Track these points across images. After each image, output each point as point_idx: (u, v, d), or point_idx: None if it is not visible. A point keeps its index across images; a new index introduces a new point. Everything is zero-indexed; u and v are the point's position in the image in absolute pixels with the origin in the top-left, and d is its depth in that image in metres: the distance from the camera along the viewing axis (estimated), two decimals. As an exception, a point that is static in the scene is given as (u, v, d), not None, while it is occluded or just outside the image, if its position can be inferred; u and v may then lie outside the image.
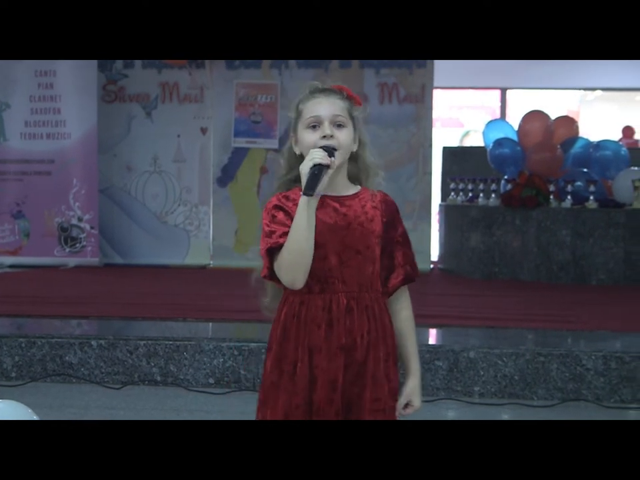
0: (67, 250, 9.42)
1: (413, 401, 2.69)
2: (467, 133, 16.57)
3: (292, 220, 2.55)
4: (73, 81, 9.28)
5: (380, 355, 2.61)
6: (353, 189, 2.68)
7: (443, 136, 14.35)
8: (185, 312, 6.32)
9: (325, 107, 2.60)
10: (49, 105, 9.32)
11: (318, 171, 2.47)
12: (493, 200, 8.89)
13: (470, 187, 9.28)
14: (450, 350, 5.27)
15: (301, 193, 2.49)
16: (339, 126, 2.60)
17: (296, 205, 2.55)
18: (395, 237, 2.69)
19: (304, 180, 2.49)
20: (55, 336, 5.50)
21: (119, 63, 9.79)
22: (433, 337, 5.92)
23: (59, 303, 6.76)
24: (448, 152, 11.25)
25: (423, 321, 6.00)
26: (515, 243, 8.48)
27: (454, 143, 15.46)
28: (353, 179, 2.71)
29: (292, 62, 9.58)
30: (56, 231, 9.43)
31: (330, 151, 2.53)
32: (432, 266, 9.57)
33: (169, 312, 6.37)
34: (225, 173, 9.78)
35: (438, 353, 5.25)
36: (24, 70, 9.22)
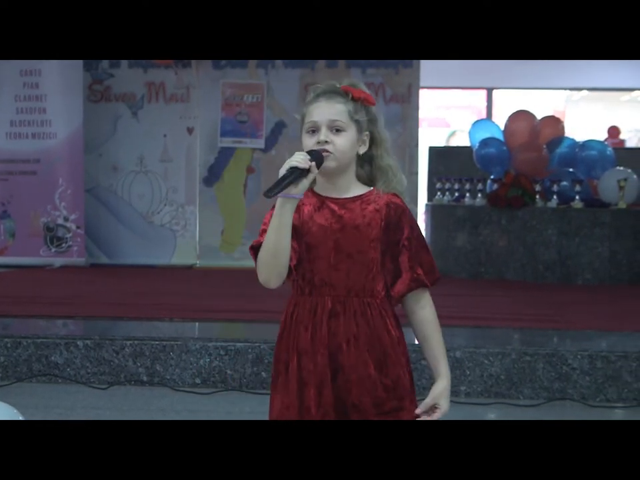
0: (53, 250, 9.40)
1: (440, 404, 2.63)
2: (453, 133, 16.60)
3: None
4: (58, 80, 9.24)
5: (378, 359, 2.60)
6: (359, 191, 2.65)
7: (429, 136, 14.37)
8: (171, 312, 6.30)
9: (323, 112, 2.58)
10: (34, 104, 9.29)
11: (290, 173, 2.46)
12: (479, 200, 8.90)
13: (456, 186, 9.29)
14: (436, 349, 5.26)
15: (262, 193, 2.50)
16: (337, 131, 2.57)
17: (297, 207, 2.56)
18: (401, 240, 2.64)
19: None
20: (41, 336, 5.48)
21: (104, 63, 9.77)
22: (419, 336, 5.91)
23: (45, 303, 6.74)
24: (434, 152, 11.26)
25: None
26: (501, 243, 8.50)
27: (440, 142, 15.50)
28: (367, 180, 2.69)
29: (278, 62, 9.59)
30: (42, 231, 9.40)
31: (316, 155, 2.51)
32: (418, 266, 9.55)
33: (155, 312, 6.36)
34: (211, 173, 9.77)
35: (424, 352, 5.25)
36: (9, 69, 9.18)
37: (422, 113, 10.11)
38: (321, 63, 9.54)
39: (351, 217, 2.60)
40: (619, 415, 5.01)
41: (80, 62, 9.28)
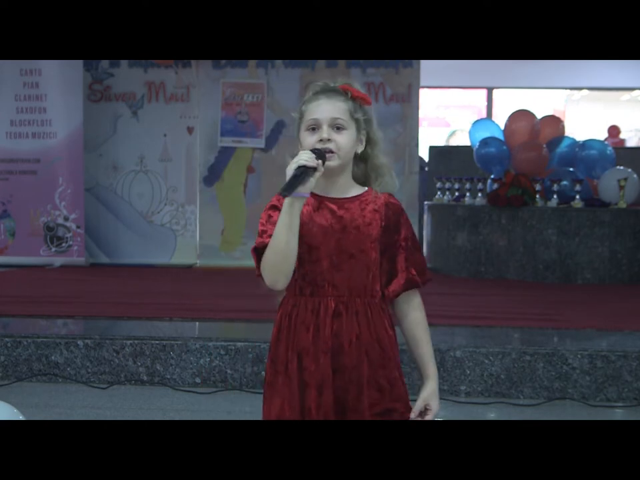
0: (53, 249, 9.39)
1: (431, 404, 2.66)
2: (453, 133, 16.61)
3: None
4: (58, 80, 9.24)
5: (376, 360, 2.60)
6: (356, 191, 2.66)
7: (430, 135, 14.38)
8: (172, 311, 6.30)
9: (325, 110, 2.58)
10: (34, 104, 9.29)
11: (300, 172, 2.46)
12: (479, 199, 8.90)
13: (456, 186, 9.28)
14: (436, 349, 5.23)
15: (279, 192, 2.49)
16: (339, 129, 2.58)
17: None
18: (398, 241, 2.65)
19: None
20: (41, 336, 5.49)
21: (104, 62, 9.76)
22: (419, 336, 5.92)
23: (45, 303, 6.74)
24: (434, 151, 11.26)
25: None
26: (501, 242, 8.50)
27: (440, 142, 15.50)
28: (362, 179, 2.69)
29: (278, 61, 9.58)
30: (42, 231, 9.39)
31: (320, 154, 2.52)
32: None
33: (155, 311, 6.36)
34: (211, 173, 9.77)
35: (424, 352, 5.25)
36: (9, 69, 9.18)
37: (422, 113, 10.11)
38: (321, 62, 9.54)
39: (351, 217, 2.60)
40: (619, 414, 5.01)
41: (80, 62, 9.28)
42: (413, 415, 2.64)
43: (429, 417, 2.66)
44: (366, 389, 2.58)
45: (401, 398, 2.65)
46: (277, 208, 2.58)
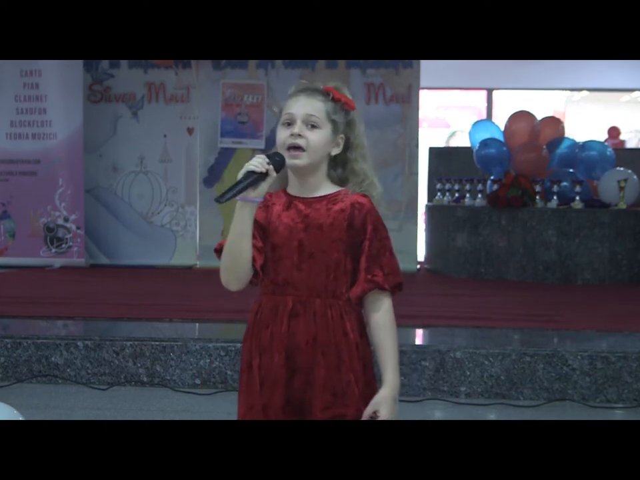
0: (53, 250, 9.39)
1: (380, 411, 2.55)
2: (453, 134, 16.61)
3: (257, 223, 2.57)
4: (58, 80, 9.24)
5: (333, 361, 2.57)
6: (327, 190, 2.64)
7: (430, 136, 14.38)
8: (171, 312, 6.30)
9: (301, 106, 2.58)
10: (34, 104, 9.29)
11: (245, 178, 2.46)
12: (479, 200, 8.90)
13: (456, 187, 9.28)
14: (436, 350, 5.27)
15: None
16: (312, 126, 2.57)
17: (262, 208, 2.57)
18: (363, 241, 2.60)
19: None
20: (41, 337, 5.48)
21: (104, 63, 9.76)
22: (419, 337, 5.93)
23: (45, 304, 6.74)
24: (434, 152, 11.26)
25: (409, 321, 6.01)
26: (501, 243, 8.50)
27: (440, 143, 15.50)
28: (340, 182, 2.67)
29: (278, 62, 9.58)
30: (42, 231, 9.39)
31: (273, 159, 2.51)
32: (418, 266, 9.58)
33: (155, 312, 6.36)
34: (211, 174, 9.76)
35: (424, 353, 5.26)
36: (9, 70, 9.18)
37: (422, 114, 10.10)
38: (321, 63, 9.54)
39: (316, 217, 2.59)
40: (619, 415, 5.00)
41: (80, 62, 9.28)
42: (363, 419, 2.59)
43: None
44: (320, 392, 2.56)
45: (353, 403, 2.58)
46: None
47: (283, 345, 2.57)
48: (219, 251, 2.60)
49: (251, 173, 2.47)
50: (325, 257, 2.58)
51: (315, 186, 2.63)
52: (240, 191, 2.46)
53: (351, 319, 2.61)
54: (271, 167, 2.50)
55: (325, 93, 2.63)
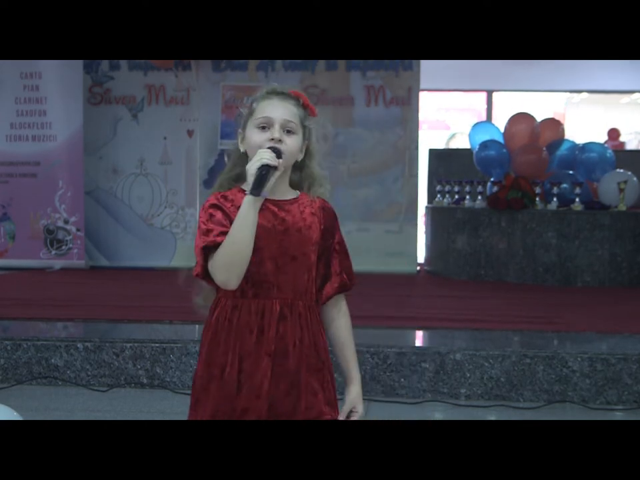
0: (53, 252, 9.39)
1: (357, 407, 2.68)
2: (453, 135, 16.62)
3: (230, 221, 2.54)
4: (58, 82, 9.25)
5: (313, 364, 2.60)
6: (291, 194, 2.67)
7: (430, 138, 14.38)
8: (172, 314, 6.29)
9: (278, 110, 2.59)
10: (34, 106, 9.29)
11: (266, 171, 2.47)
12: (479, 202, 8.90)
13: (456, 189, 9.29)
14: (436, 352, 5.27)
15: (247, 192, 2.49)
16: (289, 132, 2.59)
17: (234, 206, 2.56)
18: (333, 245, 2.69)
19: (250, 180, 2.49)
20: (41, 338, 5.48)
21: (104, 65, 9.77)
22: (419, 338, 5.92)
23: (45, 306, 6.73)
24: (434, 154, 11.26)
25: (409, 322, 6.01)
26: (500, 245, 8.50)
27: (440, 145, 15.51)
28: (294, 187, 2.70)
29: (278, 64, 9.59)
30: (42, 233, 9.39)
31: (278, 152, 2.52)
32: (418, 268, 9.58)
33: (155, 314, 6.35)
34: (211, 176, 9.75)
35: (424, 354, 5.25)
36: (9, 72, 9.19)
37: (422, 116, 10.10)
38: (321, 66, 9.54)
39: (293, 220, 2.61)
40: (619, 417, 5.00)
41: (80, 64, 9.29)
42: (341, 418, 2.65)
43: (355, 419, 2.67)
44: (304, 393, 2.59)
45: (331, 402, 2.65)
46: (218, 207, 2.59)
47: (271, 349, 2.56)
48: (212, 247, 2.56)
49: (266, 167, 2.47)
50: (306, 259, 2.61)
51: (283, 189, 2.65)
52: (265, 184, 2.47)
53: (319, 319, 2.67)
54: (280, 161, 2.51)
55: (295, 98, 2.65)
